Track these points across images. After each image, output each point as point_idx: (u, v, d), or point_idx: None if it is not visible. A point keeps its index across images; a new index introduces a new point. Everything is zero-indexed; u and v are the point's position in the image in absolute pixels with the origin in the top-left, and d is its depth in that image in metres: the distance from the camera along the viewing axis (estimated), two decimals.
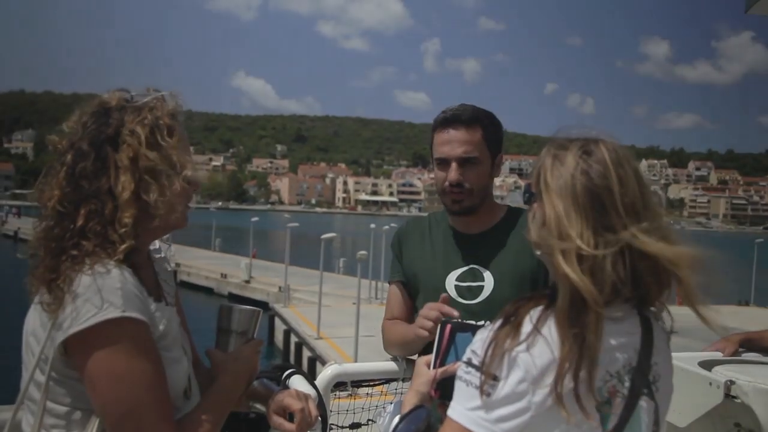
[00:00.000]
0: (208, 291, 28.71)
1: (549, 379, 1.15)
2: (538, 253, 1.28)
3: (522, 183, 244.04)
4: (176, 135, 1.46)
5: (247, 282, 27.17)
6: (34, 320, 1.37)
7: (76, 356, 1.30)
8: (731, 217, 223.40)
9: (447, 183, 2.09)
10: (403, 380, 2.35)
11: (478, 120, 2.10)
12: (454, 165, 2.07)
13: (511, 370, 1.16)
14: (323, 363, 13.82)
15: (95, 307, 1.27)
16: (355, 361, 12.33)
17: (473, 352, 1.23)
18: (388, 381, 2.49)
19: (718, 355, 2.42)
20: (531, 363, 1.16)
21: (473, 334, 1.45)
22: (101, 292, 1.28)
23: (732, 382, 2.12)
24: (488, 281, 2.09)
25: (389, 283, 2.38)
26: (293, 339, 17.69)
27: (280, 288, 22.88)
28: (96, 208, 1.36)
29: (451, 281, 2.13)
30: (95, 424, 1.32)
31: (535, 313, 1.22)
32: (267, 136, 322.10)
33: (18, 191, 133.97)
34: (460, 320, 2.03)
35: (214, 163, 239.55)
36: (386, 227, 24.48)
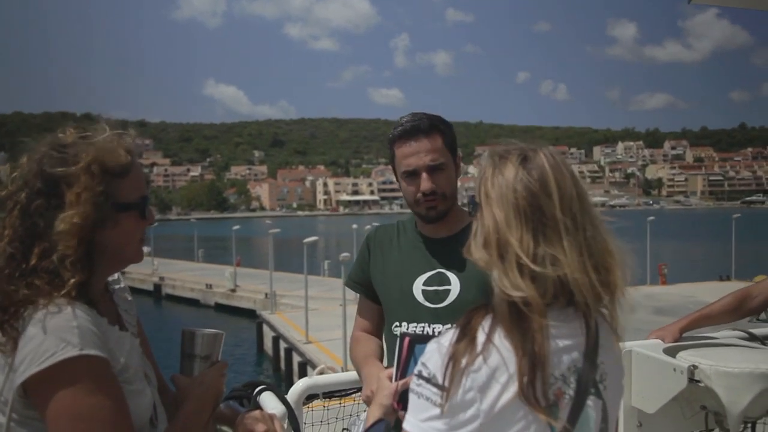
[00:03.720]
0: (194, 302, 28.61)
1: (496, 386, 1.18)
2: (481, 264, 1.30)
3: None
4: (131, 171, 1.47)
5: (233, 291, 27.10)
6: None
7: (35, 397, 1.28)
8: (709, 193, 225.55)
9: (420, 193, 2.11)
10: None
11: (436, 127, 2.14)
12: (424, 175, 2.10)
13: (459, 379, 1.19)
14: (314, 367, 13.82)
15: (52, 346, 1.26)
16: (345, 363, 12.38)
17: (423, 364, 1.26)
18: (359, 389, 2.48)
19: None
20: (480, 372, 1.19)
21: None
22: (57, 332, 1.27)
23: (695, 367, 2.19)
24: (454, 285, 2.11)
25: (347, 286, 2.39)
26: (282, 345, 17.70)
27: (266, 295, 22.84)
28: (50, 246, 1.35)
29: (418, 285, 2.15)
30: None
31: (487, 322, 1.24)
32: (243, 142, 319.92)
33: None
34: (416, 333, 2.07)
35: (191, 173, 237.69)
36: (368, 226, 24.46)
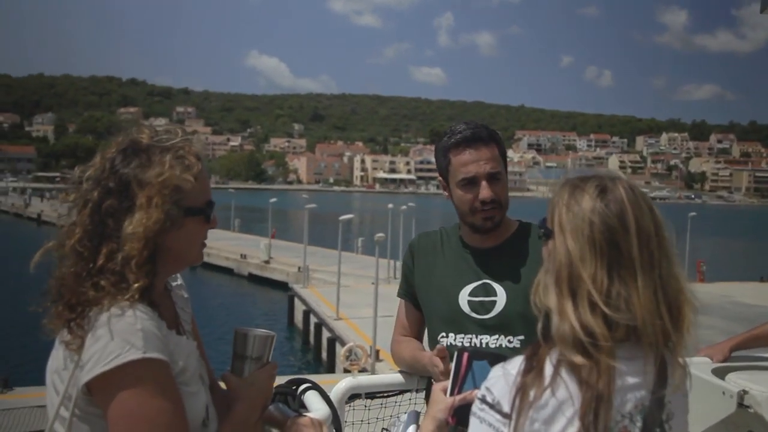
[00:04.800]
0: (229, 272, 29.02)
1: (562, 419, 1.17)
2: (549, 303, 1.26)
3: (540, 159, 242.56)
4: (200, 177, 1.49)
5: (267, 262, 27.39)
6: (58, 358, 1.40)
7: (98, 396, 1.33)
8: (754, 190, 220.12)
9: (479, 201, 2.09)
10: (417, 391, 2.38)
11: (494, 137, 2.14)
12: (484, 183, 2.08)
13: (527, 411, 1.18)
14: (342, 344, 13.94)
15: (117, 348, 1.30)
16: (374, 341, 12.44)
17: (488, 389, 1.26)
18: (402, 392, 2.52)
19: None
20: (548, 405, 1.18)
21: (490, 362, 1.48)
22: (122, 334, 1.31)
23: (745, 392, 2.12)
24: (501, 296, 2.09)
25: (399, 297, 2.40)
26: (312, 320, 17.86)
27: (299, 268, 23.03)
28: (116, 247, 1.38)
29: (464, 296, 2.13)
30: None
31: (554, 354, 1.23)
32: (284, 115, 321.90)
33: (40, 174, 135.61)
34: (475, 347, 2.06)
35: (231, 143, 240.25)
36: (404, 207, 24.49)
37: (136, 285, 1.37)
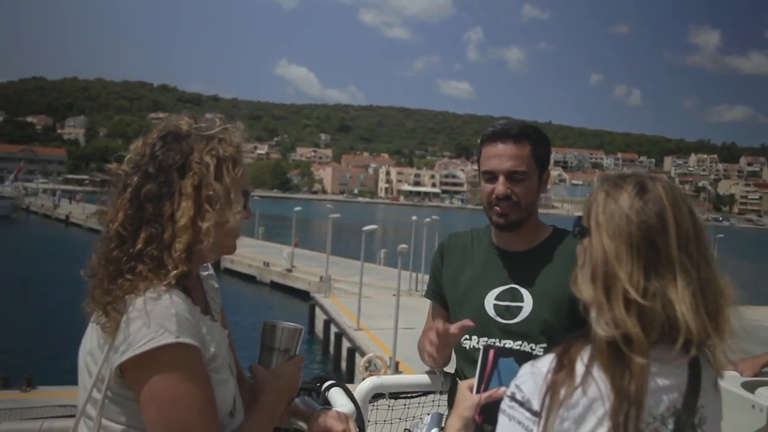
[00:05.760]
0: (251, 279, 29.13)
1: (592, 419, 1.16)
2: (585, 297, 1.25)
3: (566, 176, 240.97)
4: (239, 168, 1.50)
5: (289, 271, 27.46)
6: (92, 340, 1.42)
7: (131, 379, 1.34)
8: None
9: (494, 196, 2.08)
10: (441, 393, 2.35)
11: (527, 135, 2.09)
12: (501, 178, 2.06)
13: (557, 410, 1.17)
14: (362, 354, 13.90)
15: (151, 332, 1.31)
16: (394, 353, 12.39)
17: (518, 387, 1.24)
18: (425, 393, 2.50)
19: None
20: (578, 404, 1.17)
21: (516, 359, 1.48)
22: (157, 318, 1.32)
23: None
24: (527, 302, 2.06)
25: (427, 297, 2.39)
26: (333, 329, 17.85)
27: (321, 278, 23.07)
28: (156, 232, 1.39)
29: (490, 300, 2.11)
30: None
31: (586, 353, 1.21)
32: (311, 125, 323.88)
33: (69, 176, 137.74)
34: (503, 345, 2.04)
35: (258, 151, 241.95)
36: (428, 219, 24.44)
37: (174, 272, 1.38)
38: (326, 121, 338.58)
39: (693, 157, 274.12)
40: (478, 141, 2.18)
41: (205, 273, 1.68)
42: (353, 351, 15.56)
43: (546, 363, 1.24)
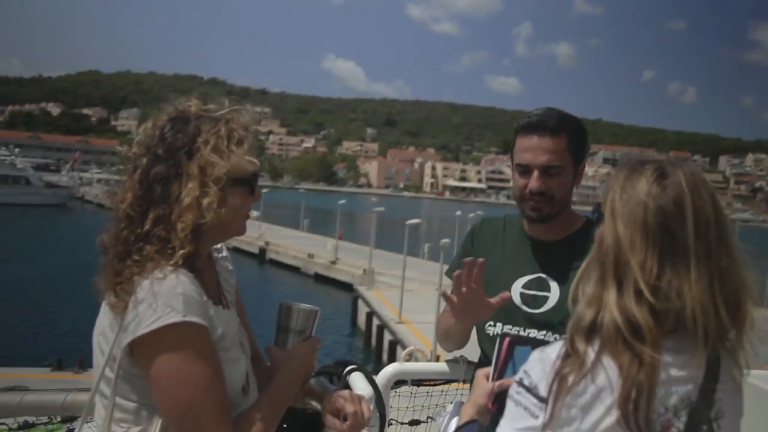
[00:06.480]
0: (296, 270, 29.38)
1: (600, 407, 1.14)
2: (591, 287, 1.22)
3: None
4: (246, 146, 1.51)
5: (333, 263, 27.59)
6: (103, 321, 1.45)
7: (140, 357, 1.37)
8: None
9: (528, 190, 2.02)
10: (464, 381, 2.32)
11: (564, 127, 2.01)
12: (536, 173, 2.00)
13: (564, 396, 1.15)
14: (404, 347, 13.97)
15: (158, 311, 1.33)
16: (434, 346, 12.41)
17: (526, 372, 1.22)
18: (448, 381, 2.48)
19: None
20: (586, 391, 1.15)
21: (533, 347, 1.43)
22: (164, 297, 1.34)
23: None
24: (554, 292, 2.03)
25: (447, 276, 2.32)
26: (375, 321, 17.93)
27: (364, 270, 23.16)
28: (163, 213, 1.41)
29: (517, 288, 2.08)
30: (158, 423, 1.40)
31: (597, 340, 1.18)
32: (357, 119, 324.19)
33: (122, 167, 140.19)
34: (522, 334, 2.02)
35: (305, 144, 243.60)
36: (472, 215, 24.35)
37: (181, 252, 1.40)
38: (373, 115, 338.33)
39: (750, 157, 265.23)
40: (514, 130, 2.09)
41: (219, 255, 1.69)
42: (395, 343, 15.62)
43: (555, 349, 1.21)
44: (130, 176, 1.46)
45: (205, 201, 1.42)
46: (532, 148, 2.01)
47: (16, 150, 65.71)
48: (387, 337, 16.41)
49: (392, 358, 15.26)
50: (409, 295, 17.64)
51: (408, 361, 11.73)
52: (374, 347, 17.68)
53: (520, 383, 1.22)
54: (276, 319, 1.70)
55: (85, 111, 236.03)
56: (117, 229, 1.44)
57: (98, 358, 1.45)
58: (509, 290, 2.06)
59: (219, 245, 1.69)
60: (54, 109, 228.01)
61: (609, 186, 1.26)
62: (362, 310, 20.06)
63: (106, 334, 1.43)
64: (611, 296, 1.17)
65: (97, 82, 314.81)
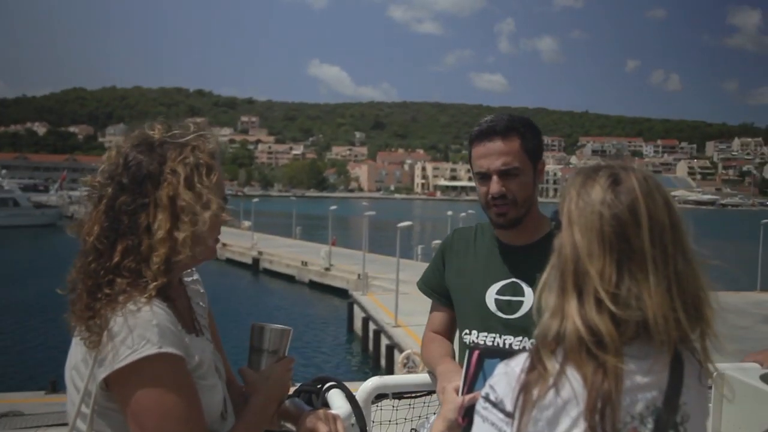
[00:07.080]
0: (290, 278, 29.37)
1: (566, 420, 1.13)
2: (552, 299, 1.21)
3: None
4: (214, 175, 1.46)
5: (327, 269, 27.58)
6: (76, 355, 1.41)
7: (116, 391, 1.33)
8: None
9: (489, 196, 2.05)
10: None
11: (514, 129, 2.04)
12: (494, 178, 2.02)
13: (530, 410, 1.14)
14: (401, 351, 13.93)
15: (134, 344, 1.29)
16: None
17: (492, 387, 1.22)
18: (430, 393, 2.45)
19: None
20: (551, 405, 1.14)
21: (502, 359, 1.43)
22: (138, 330, 1.30)
23: None
24: (528, 296, 2.03)
25: (419, 288, 2.39)
26: (371, 326, 17.89)
27: (359, 276, 23.15)
28: (132, 244, 1.37)
29: (491, 294, 2.09)
30: None
31: (560, 352, 1.17)
32: (345, 123, 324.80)
33: None
34: (487, 346, 2.02)
35: (294, 151, 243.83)
36: (463, 214, 24.39)
37: (154, 284, 1.36)
38: (360, 119, 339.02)
39: (736, 141, 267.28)
40: (468, 140, 2.12)
41: (189, 279, 1.66)
42: (392, 348, 15.58)
43: (520, 362, 1.20)
44: (96, 207, 1.42)
45: (180, 236, 1.39)
46: (487, 154, 2.04)
47: (3, 171, 65.39)
48: (384, 341, 16.38)
49: (390, 363, 15.23)
50: (404, 298, 17.62)
51: (406, 364, 11.68)
52: (372, 352, 17.65)
53: (486, 398, 1.22)
54: (249, 341, 1.69)
55: (72, 129, 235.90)
56: (85, 263, 1.40)
57: (72, 395, 1.41)
58: (484, 297, 2.10)
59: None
60: (40, 129, 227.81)
61: (565, 193, 1.26)
62: (358, 316, 20.03)
63: (80, 369, 1.39)
64: (572, 306, 1.17)
65: (83, 100, 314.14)
